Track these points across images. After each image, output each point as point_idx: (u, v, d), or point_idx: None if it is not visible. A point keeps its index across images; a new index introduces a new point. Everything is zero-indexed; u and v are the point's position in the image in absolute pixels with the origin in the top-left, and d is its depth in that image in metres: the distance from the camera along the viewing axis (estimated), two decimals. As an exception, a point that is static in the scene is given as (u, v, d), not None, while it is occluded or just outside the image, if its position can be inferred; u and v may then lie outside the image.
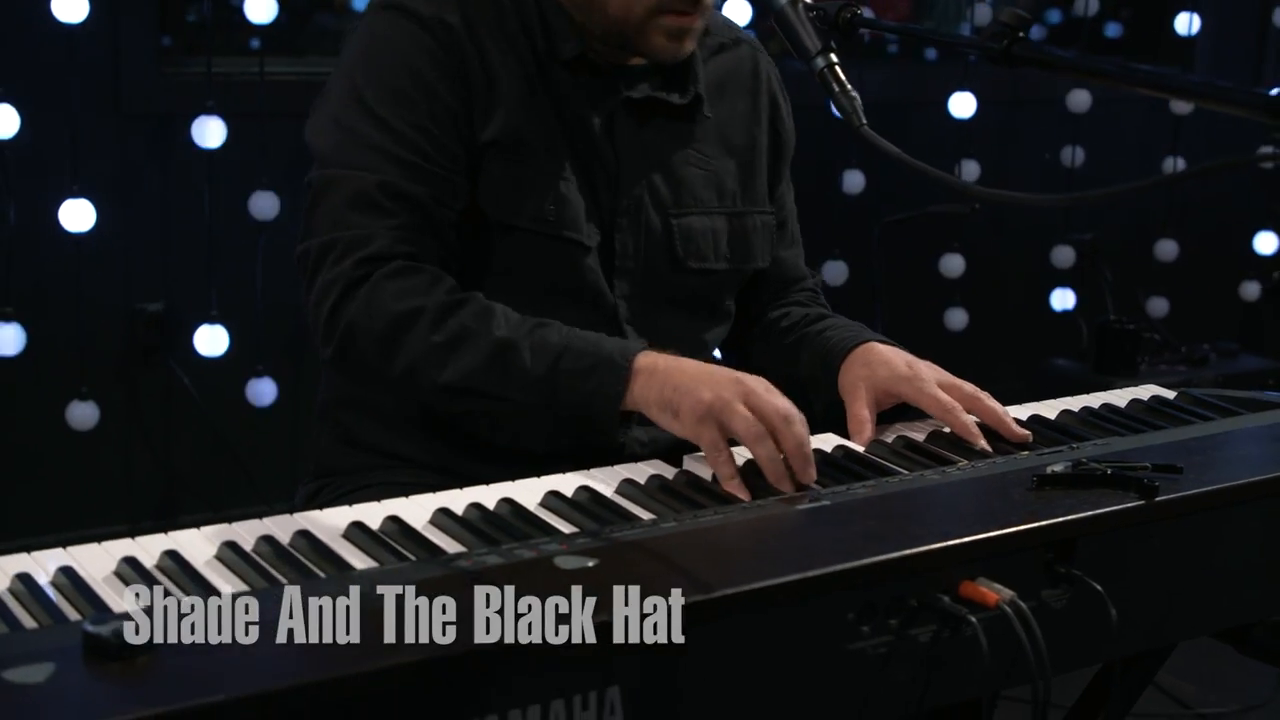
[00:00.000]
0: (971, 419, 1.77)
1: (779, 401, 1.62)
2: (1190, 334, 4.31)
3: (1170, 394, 1.97)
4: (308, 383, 3.60)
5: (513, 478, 1.62)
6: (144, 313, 3.52)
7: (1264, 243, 4.65)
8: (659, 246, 1.92)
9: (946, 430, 1.78)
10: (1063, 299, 4.35)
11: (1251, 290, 4.69)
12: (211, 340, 3.32)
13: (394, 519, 1.47)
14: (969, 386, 1.82)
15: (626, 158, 1.89)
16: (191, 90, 3.39)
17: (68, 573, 1.31)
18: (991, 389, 1.86)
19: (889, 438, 1.78)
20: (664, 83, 1.93)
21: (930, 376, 1.83)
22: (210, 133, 3.24)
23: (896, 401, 1.84)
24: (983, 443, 1.74)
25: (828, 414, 1.90)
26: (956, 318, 4.18)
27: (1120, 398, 1.95)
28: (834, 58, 1.64)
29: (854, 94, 1.63)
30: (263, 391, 3.45)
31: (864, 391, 1.83)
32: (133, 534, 1.39)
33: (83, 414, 3.30)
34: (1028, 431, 1.77)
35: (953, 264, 4.07)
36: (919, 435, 1.78)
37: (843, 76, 1.64)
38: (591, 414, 1.68)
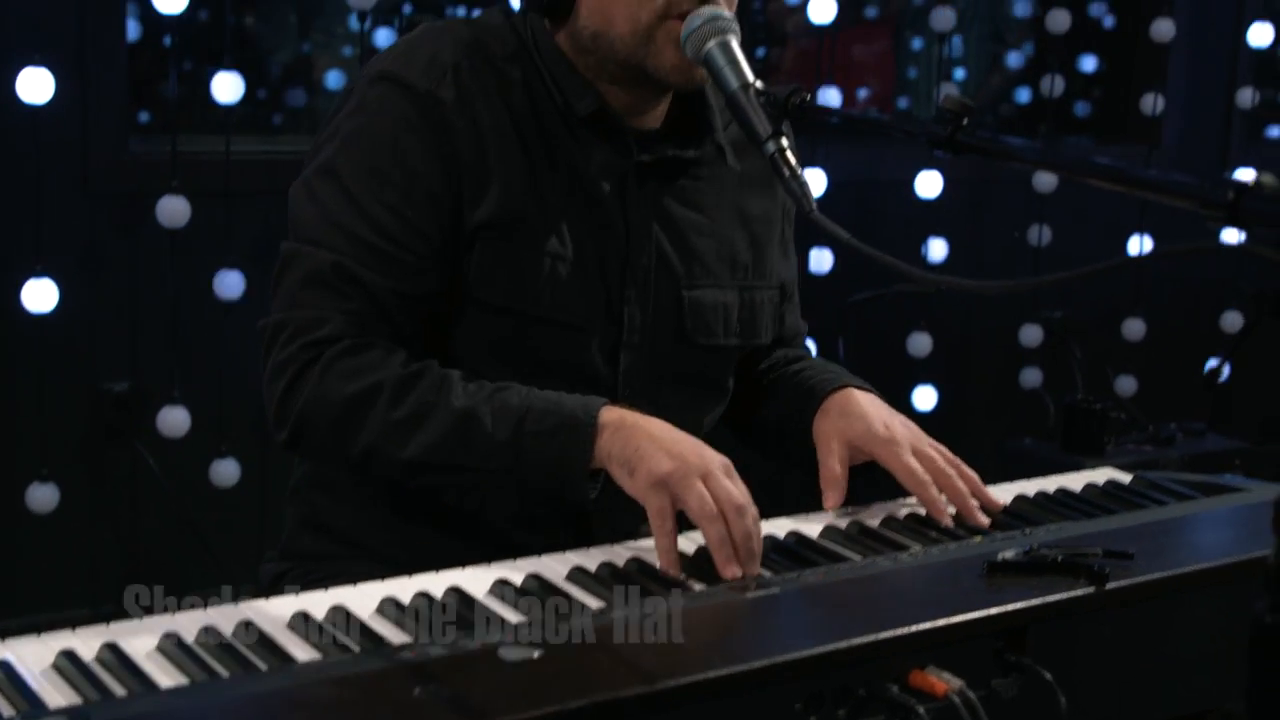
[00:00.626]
0: (941, 496, 1.77)
1: (735, 489, 1.60)
2: (1159, 413, 4.31)
3: (1126, 478, 1.97)
4: (272, 463, 3.58)
5: (483, 551, 1.61)
6: (109, 392, 3.50)
7: (1230, 322, 4.67)
8: (667, 320, 1.90)
9: (924, 512, 1.79)
10: (1031, 377, 4.35)
11: (1220, 370, 4.69)
12: (174, 422, 3.30)
13: (339, 608, 1.45)
14: (943, 457, 1.83)
15: (636, 226, 1.87)
16: (158, 169, 3.39)
17: (4, 667, 1.29)
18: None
19: (842, 522, 1.78)
20: (681, 141, 1.91)
21: (906, 440, 1.83)
22: (175, 212, 3.23)
23: (868, 459, 1.85)
24: (948, 521, 1.75)
25: (805, 458, 1.89)
26: (924, 397, 4.18)
27: (1076, 481, 1.96)
28: (785, 142, 1.65)
29: (803, 179, 1.64)
30: (226, 472, 3.42)
31: (837, 445, 1.83)
32: (95, 618, 1.38)
33: (43, 496, 3.27)
34: (1001, 501, 1.80)
35: (920, 343, 4.08)
36: (874, 520, 1.78)
37: (793, 161, 1.64)
38: (559, 474, 1.66)
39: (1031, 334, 4.29)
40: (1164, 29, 4.35)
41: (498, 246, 1.78)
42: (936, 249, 4.11)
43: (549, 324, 1.81)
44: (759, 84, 1.69)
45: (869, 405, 1.88)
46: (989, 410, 4.54)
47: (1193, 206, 1.18)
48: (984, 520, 1.76)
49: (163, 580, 2.92)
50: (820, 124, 1.67)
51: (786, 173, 1.63)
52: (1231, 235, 3.64)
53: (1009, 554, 1.55)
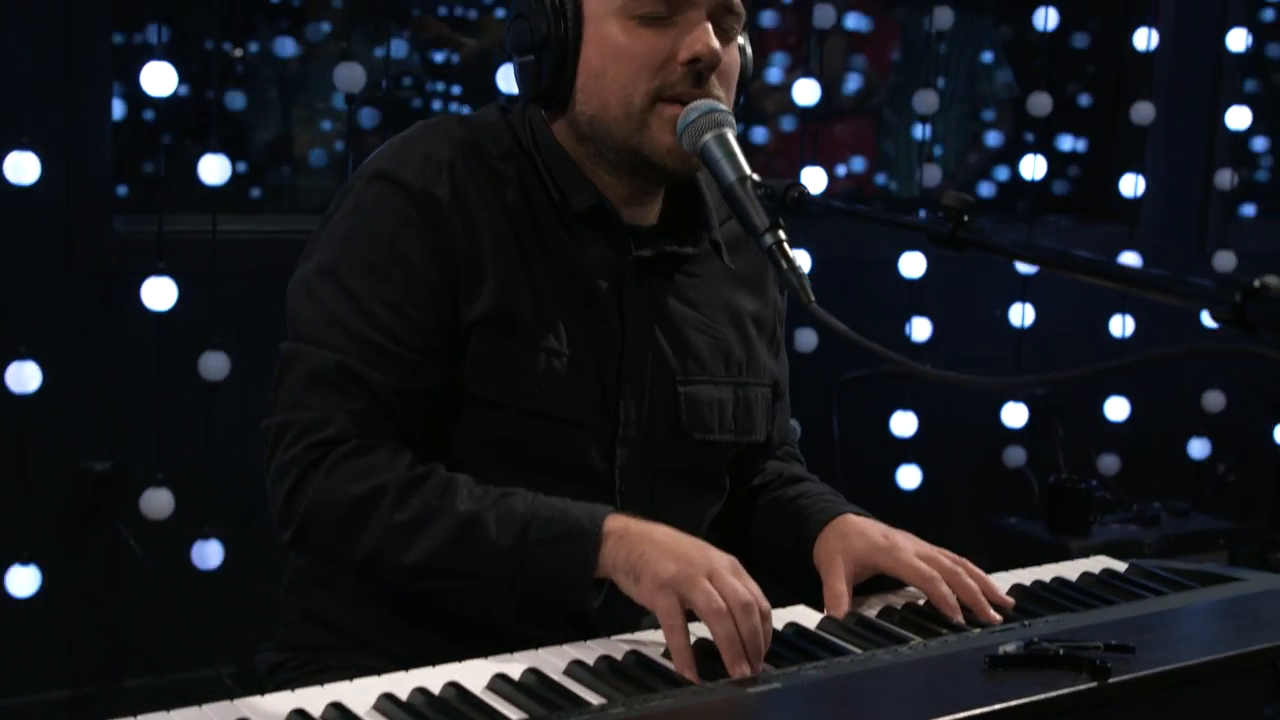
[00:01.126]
0: (950, 592, 1.76)
1: (741, 587, 1.59)
2: (1142, 492, 4.32)
3: (1121, 566, 1.97)
4: (255, 545, 3.57)
5: (477, 653, 1.59)
6: (90, 472, 3.48)
7: (1212, 401, 4.69)
8: (663, 415, 1.89)
9: (922, 601, 1.78)
10: (1014, 456, 4.36)
11: (1201, 449, 4.71)
12: (158, 503, 3.28)
13: (336, 705, 1.43)
14: (948, 557, 1.82)
15: (633, 322, 1.87)
16: (142, 249, 3.39)
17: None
18: (945, 547, 1.85)
19: (842, 615, 1.77)
20: (677, 237, 1.92)
21: (908, 546, 1.82)
22: (161, 294, 3.22)
23: (874, 573, 1.83)
24: (959, 616, 1.74)
25: (802, 584, 1.89)
26: (909, 476, 4.18)
27: (1071, 570, 1.95)
28: (782, 235, 1.65)
29: (801, 271, 1.64)
30: (209, 554, 3.40)
31: (841, 565, 1.82)
32: (75, 700, 1.36)
33: (23, 578, 3.24)
34: (1011, 599, 1.78)
35: (905, 422, 4.08)
36: (872, 611, 1.77)
37: (790, 253, 1.65)
38: (563, 583, 1.65)
39: (1015, 413, 4.30)
40: (1144, 111, 4.39)
41: (493, 342, 1.78)
42: (920, 328, 4.12)
43: (544, 419, 1.81)
44: (756, 177, 1.70)
45: (867, 524, 1.88)
46: (973, 489, 4.54)
47: (1201, 307, 1.17)
48: (996, 618, 1.74)
49: (144, 663, 2.90)
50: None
51: (785, 265, 1.64)
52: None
53: (1009, 647, 1.54)
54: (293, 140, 4.65)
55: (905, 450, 4.17)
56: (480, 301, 1.78)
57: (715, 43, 1.77)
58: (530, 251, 1.82)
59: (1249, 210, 5.60)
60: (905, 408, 4.09)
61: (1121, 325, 4.43)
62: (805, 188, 1.65)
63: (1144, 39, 4.33)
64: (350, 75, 3.28)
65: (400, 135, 1.88)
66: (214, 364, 3.31)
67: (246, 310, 3.54)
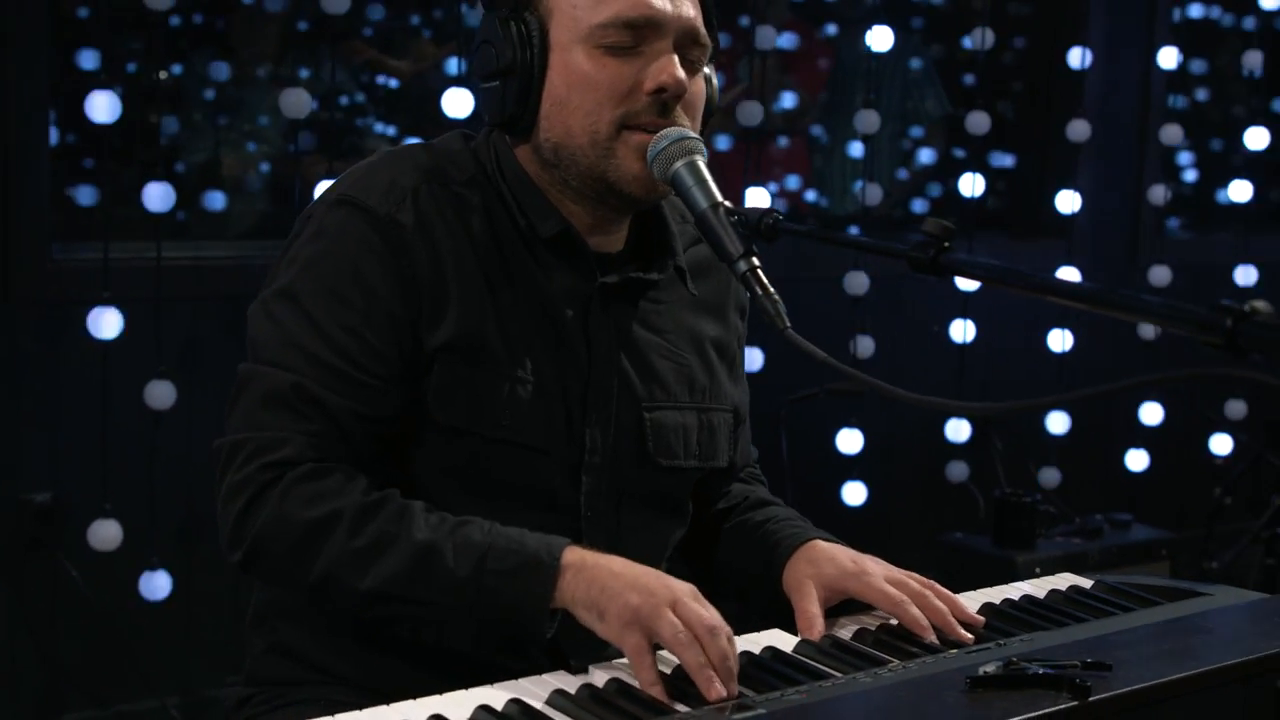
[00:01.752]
0: (921, 614, 1.77)
1: (705, 612, 1.60)
2: (1082, 505, 4.36)
3: (1087, 583, 1.98)
4: (201, 575, 3.53)
5: (444, 682, 1.58)
6: (30, 504, 3.42)
7: (1149, 414, 4.75)
8: (628, 441, 1.89)
9: (893, 623, 1.78)
10: (957, 471, 4.39)
11: (1139, 460, 4.77)
12: (106, 535, 3.23)
13: (322, 742, 1.42)
14: (916, 581, 1.82)
15: (599, 348, 1.86)
16: (83, 277, 3.35)
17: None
18: (892, 563, 1.87)
19: (817, 637, 1.76)
20: (644, 264, 1.92)
21: (877, 571, 1.83)
22: (106, 323, 3.18)
23: (843, 598, 1.84)
24: (931, 636, 1.75)
25: (770, 609, 1.89)
26: (854, 492, 4.20)
27: (1038, 587, 1.96)
28: (756, 261, 1.66)
29: (776, 297, 1.65)
30: (156, 585, 3.35)
31: (812, 589, 1.82)
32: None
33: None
34: (981, 617, 1.79)
35: (851, 439, 4.10)
36: (845, 633, 1.78)
37: (765, 280, 1.66)
38: (518, 614, 1.65)
39: (958, 428, 4.33)
40: (1080, 129, 4.44)
41: (457, 369, 1.77)
42: (864, 346, 4.15)
43: (509, 446, 1.80)
44: (728, 204, 1.71)
45: (836, 550, 1.89)
46: (918, 505, 4.57)
47: (1190, 332, 1.19)
48: (968, 637, 1.75)
49: (87, 695, 2.86)
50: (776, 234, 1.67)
51: (759, 291, 1.65)
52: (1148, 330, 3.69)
53: (989, 668, 1.54)
54: (220, 164, 4.61)
55: (850, 467, 4.19)
56: (444, 328, 1.77)
57: (681, 73, 1.78)
58: (495, 278, 1.81)
59: (1175, 224, 5.69)
60: (851, 426, 4.11)
61: (1061, 340, 4.47)
62: (779, 214, 1.66)
63: (1078, 58, 4.38)
64: (296, 101, 3.26)
65: (364, 162, 1.87)
66: (160, 393, 3.27)
67: (190, 337, 3.51)
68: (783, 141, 5.20)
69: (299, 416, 1.72)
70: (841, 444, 4.13)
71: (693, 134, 1.77)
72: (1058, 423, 4.47)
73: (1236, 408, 4.84)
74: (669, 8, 1.79)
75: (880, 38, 4.09)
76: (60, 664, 3.53)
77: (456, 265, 1.79)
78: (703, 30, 1.82)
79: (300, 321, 1.75)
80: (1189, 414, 4.86)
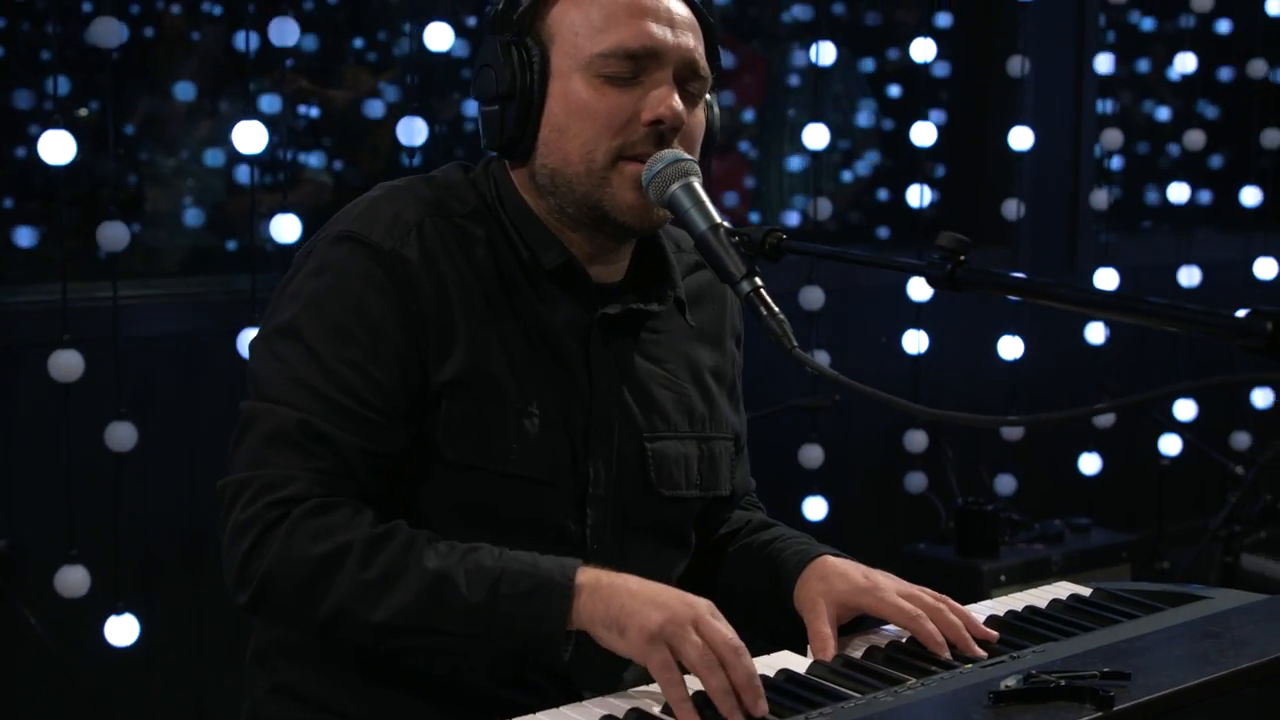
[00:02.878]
0: (935, 629, 1.76)
1: (727, 631, 1.60)
2: (1036, 510, 4.39)
3: (1086, 591, 1.99)
4: (167, 618, 3.47)
5: (453, 717, 1.57)
6: (-14, 551, 3.35)
7: (1102, 419, 4.79)
8: (630, 472, 1.88)
9: (905, 639, 1.78)
10: (916, 482, 4.41)
11: (1091, 463, 4.81)
12: (71, 580, 3.17)
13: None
14: (929, 595, 1.83)
15: (600, 380, 1.86)
16: (39, 320, 3.29)
17: None
18: None
19: (830, 657, 1.76)
20: (643, 295, 1.91)
21: (890, 586, 1.83)
22: (66, 365, 3.12)
23: (856, 614, 1.84)
24: (946, 653, 1.74)
25: (778, 629, 1.88)
26: (815, 507, 4.20)
27: (1038, 598, 1.97)
28: (759, 282, 1.67)
29: (782, 317, 1.65)
30: (123, 630, 3.29)
31: (824, 607, 1.82)
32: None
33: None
34: (995, 632, 1.78)
35: (811, 454, 4.11)
36: (857, 652, 1.77)
37: (770, 300, 1.66)
38: (536, 637, 1.63)
39: (915, 439, 4.35)
40: (1022, 136, 4.48)
41: (464, 404, 1.77)
42: (820, 360, 4.15)
43: (516, 480, 1.79)
44: (728, 224, 1.71)
45: (847, 565, 1.89)
46: (879, 517, 4.58)
47: (1228, 339, 1.19)
48: (982, 652, 1.75)
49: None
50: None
51: (765, 311, 1.65)
52: (1097, 332, 3.72)
53: (1009, 682, 1.55)
54: (142, 196, 4.55)
55: (811, 482, 4.19)
56: (451, 363, 1.76)
57: (679, 105, 1.78)
58: (499, 311, 1.80)
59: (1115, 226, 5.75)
60: (811, 441, 4.11)
61: (1012, 348, 4.50)
62: (783, 233, 1.66)
63: (1018, 66, 4.41)
64: (251, 134, 3.22)
65: (364, 197, 1.86)
66: (121, 434, 3.22)
67: (147, 376, 3.46)
68: (720, 160, 5.20)
69: (305, 454, 1.71)
70: (802, 459, 4.14)
71: (687, 155, 1.78)
72: (1012, 429, 4.50)
73: (1186, 408, 4.89)
74: (670, 38, 1.79)
75: (825, 52, 4.10)
76: (20, 716, 3.45)
77: (462, 299, 1.78)
78: (703, 62, 1.83)
79: (305, 358, 1.73)
80: (1137, 415, 4.91)
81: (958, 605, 1.82)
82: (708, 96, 1.88)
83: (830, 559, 1.90)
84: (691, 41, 1.82)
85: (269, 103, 3.98)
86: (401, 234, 1.77)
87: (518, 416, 1.79)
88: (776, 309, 1.65)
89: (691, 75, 1.82)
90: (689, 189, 1.74)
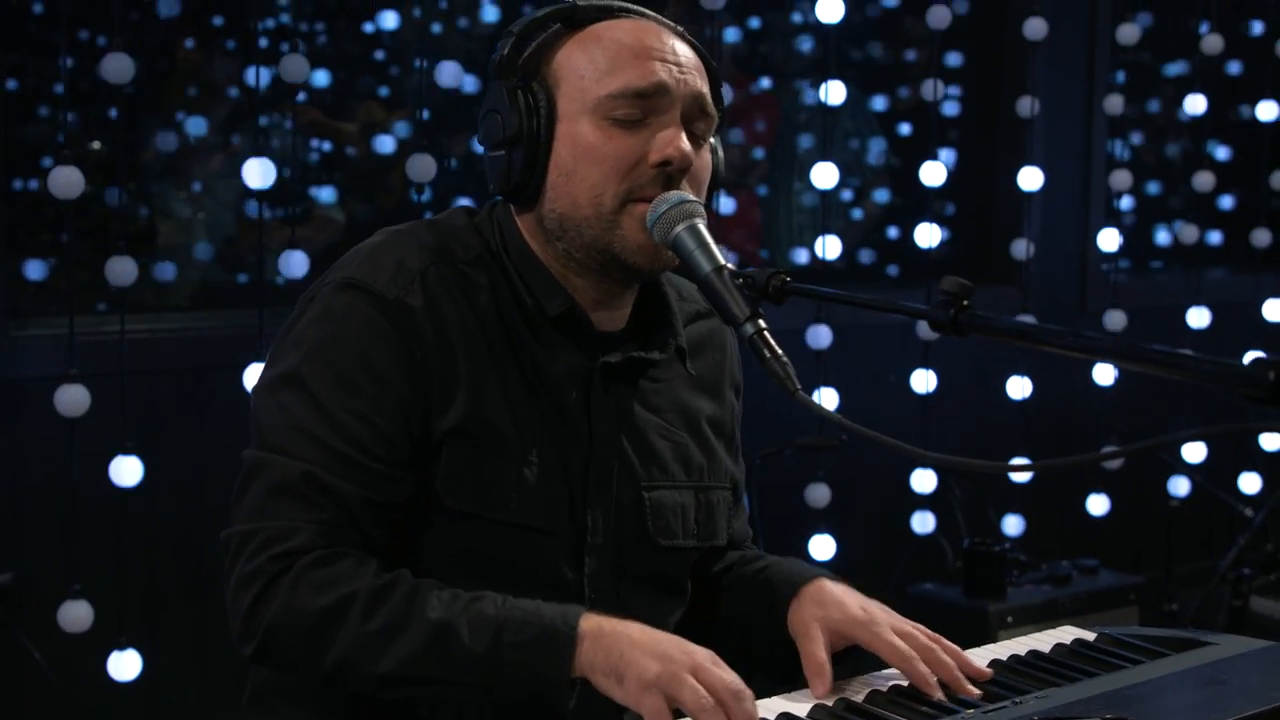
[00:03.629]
0: (928, 671, 1.75)
1: (728, 676, 1.60)
2: (1044, 551, 4.38)
3: (1090, 635, 1.98)
4: (170, 653, 3.47)
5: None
6: (-10, 585, 3.35)
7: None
8: (629, 522, 1.88)
9: (904, 683, 1.76)
10: (923, 522, 4.39)
11: (1100, 504, 4.80)
12: (75, 615, 3.16)
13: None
14: (924, 633, 1.81)
15: (600, 429, 1.85)
16: (44, 354, 3.30)
17: None
18: None
19: (829, 700, 1.74)
20: (644, 343, 1.91)
21: (885, 621, 1.82)
22: (72, 400, 3.12)
23: (849, 644, 1.82)
24: (939, 694, 1.73)
25: (773, 657, 1.87)
26: (822, 546, 4.19)
27: (1042, 642, 1.96)
28: (763, 324, 1.66)
29: (785, 359, 1.65)
30: (126, 665, 3.28)
31: (819, 633, 1.81)
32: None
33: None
34: (989, 670, 1.77)
35: (818, 494, 4.10)
36: (858, 695, 1.76)
37: (773, 342, 1.66)
38: (539, 686, 1.63)
39: (923, 479, 4.33)
40: (1031, 176, 4.49)
41: (464, 452, 1.76)
42: (828, 399, 4.15)
43: (515, 529, 1.79)
44: (731, 266, 1.71)
45: (843, 593, 1.88)
46: (886, 557, 4.56)
47: (1230, 388, 1.19)
48: (975, 692, 1.74)
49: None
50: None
51: (768, 354, 1.65)
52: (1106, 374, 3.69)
53: (1012, 728, 1.55)
54: (174, 233, 4.57)
55: (818, 521, 4.18)
56: (453, 412, 1.76)
57: (687, 146, 1.78)
58: (502, 358, 1.80)
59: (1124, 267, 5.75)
60: (818, 480, 4.10)
61: (1021, 388, 4.49)
62: (787, 276, 1.66)
63: (1027, 106, 4.42)
64: (260, 170, 3.24)
65: (367, 243, 1.85)
66: (126, 469, 3.22)
67: (153, 411, 3.46)
68: (732, 199, 5.21)
69: (309, 505, 1.70)
70: (809, 498, 4.13)
71: (692, 197, 1.77)
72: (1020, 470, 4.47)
73: (1196, 451, 4.88)
74: (676, 78, 1.79)
75: (834, 92, 4.10)
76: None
77: (465, 346, 1.78)
78: (709, 102, 1.83)
79: (308, 408, 1.73)
80: (1146, 457, 4.90)
81: (951, 645, 1.81)
82: (712, 140, 1.88)
83: (827, 583, 1.89)
84: (697, 82, 1.82)
85: (280, 138, 4.01)
86: (405, 282, 1.77)
87: (517, 465, 1.78)
88: (780, 351, 1.65)
89: (698, 115, 1.82)
90: (694, 230, 1.73)
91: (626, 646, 1.61)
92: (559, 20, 1.84)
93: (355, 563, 1.69)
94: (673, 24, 1.87)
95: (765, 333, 1.66)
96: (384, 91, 5.02)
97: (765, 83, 5.50)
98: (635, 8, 1.87)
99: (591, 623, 1.64)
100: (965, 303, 1.47)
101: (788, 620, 1.87)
